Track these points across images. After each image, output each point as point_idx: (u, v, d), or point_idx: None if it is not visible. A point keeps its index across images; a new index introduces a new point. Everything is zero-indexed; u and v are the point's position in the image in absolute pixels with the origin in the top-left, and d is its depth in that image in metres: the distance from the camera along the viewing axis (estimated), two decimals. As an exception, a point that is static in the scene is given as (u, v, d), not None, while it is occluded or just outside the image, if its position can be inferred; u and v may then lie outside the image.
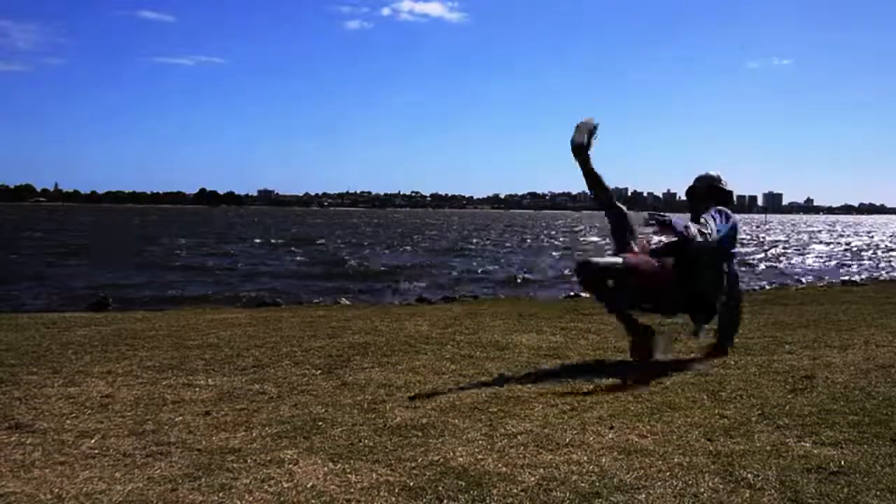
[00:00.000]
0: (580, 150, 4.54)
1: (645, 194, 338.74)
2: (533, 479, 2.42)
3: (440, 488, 2.34)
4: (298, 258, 24.67)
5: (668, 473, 2.46)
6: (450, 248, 31.81)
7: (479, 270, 20.73)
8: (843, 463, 2.54)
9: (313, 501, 2.27)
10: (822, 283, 14.72)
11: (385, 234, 46.64)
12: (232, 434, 2.93)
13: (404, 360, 4.39)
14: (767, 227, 76.86)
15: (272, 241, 34.82)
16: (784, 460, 2.58)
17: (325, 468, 2.54)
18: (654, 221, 4.01)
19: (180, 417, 3.16)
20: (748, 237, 43.06)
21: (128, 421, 3.11)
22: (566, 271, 17.72)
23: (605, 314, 4.70)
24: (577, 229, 60.30)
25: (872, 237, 49.13)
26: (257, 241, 34.91)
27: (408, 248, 31.38)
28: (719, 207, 4.43)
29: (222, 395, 3.54)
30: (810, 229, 69.68)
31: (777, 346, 4.77)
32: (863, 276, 16.93)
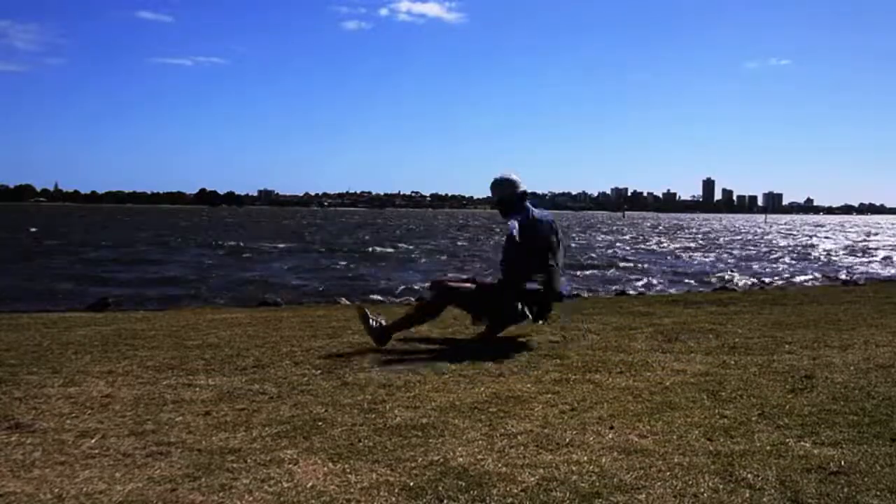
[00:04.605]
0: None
1: (645, 194, 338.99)
2: (533, 479, 2.42)
3: (440, 488, 2.34)
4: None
5: (668, 473, 2.46)
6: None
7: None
8: (843, 463, 2.54)
9: (313, 501, 2.27)
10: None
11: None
12: (232, 434, 2.93)
13: (404, 359, 4.39)
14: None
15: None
16: (784, 460, 2.58)
17: (325, 468, 2.54)
18: None
19: (180, 417, 3.16)
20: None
21: (128, 421, 3.11)
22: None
23: (604, 314, 4.73)
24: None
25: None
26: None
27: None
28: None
29: (222, 395, 3.54)
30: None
31: (777, 346, 4.77)
32: None
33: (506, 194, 5.11)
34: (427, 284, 5.19)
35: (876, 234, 57.14)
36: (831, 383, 3.69)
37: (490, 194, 5.21)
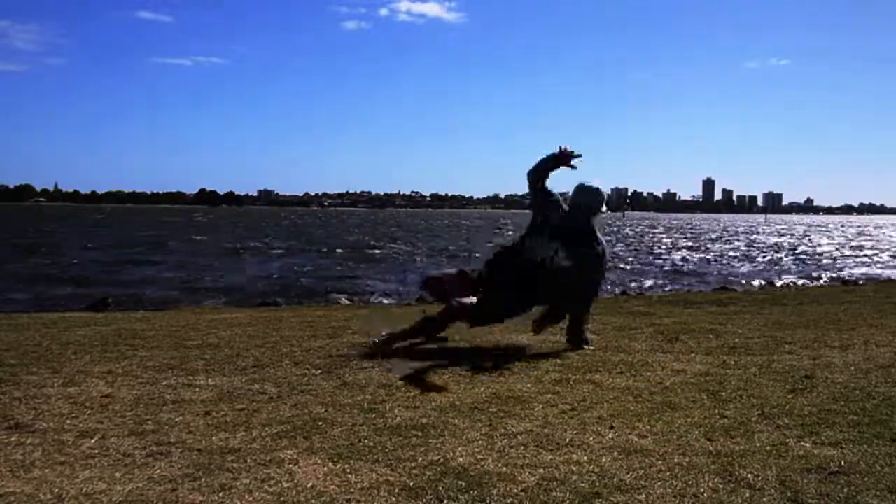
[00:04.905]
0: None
1: (645, 194, 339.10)
2: (533, 479, 2.42)
3: (440, 488, 2.34)
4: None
5: (668, 473, 2.46)
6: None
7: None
8: (843, 463, 2.54)
9: (313, 501, 2.27)
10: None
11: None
12: (232, 434, 2.93)
13: (404, 360, 4.38)
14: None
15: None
16: (784, 460, 2.58)
17: (325, 468, 2.54)
18: None
19: (180, 417, 3.16)
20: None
21: (128, 421, 3.11)
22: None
23: (604, 314, 4.72)
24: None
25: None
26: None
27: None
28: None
29: (222, 395, 3.53)
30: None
31: (777, 346, 4.77)
32: None
33: (591, 205, 4.89)
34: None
35: (876, 234, 57.15)
36: (831, 383, 3.69)
37: (572, 194, 4.91)
